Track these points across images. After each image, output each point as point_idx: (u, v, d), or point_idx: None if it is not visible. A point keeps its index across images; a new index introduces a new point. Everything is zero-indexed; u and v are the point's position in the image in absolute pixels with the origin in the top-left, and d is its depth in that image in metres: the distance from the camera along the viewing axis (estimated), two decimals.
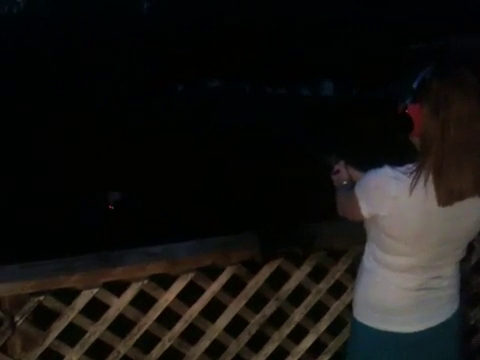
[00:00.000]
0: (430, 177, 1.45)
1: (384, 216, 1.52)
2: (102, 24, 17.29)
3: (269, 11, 18.09)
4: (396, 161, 1.54)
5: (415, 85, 1.50)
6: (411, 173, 1.47)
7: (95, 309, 1.82)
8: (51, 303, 1.73)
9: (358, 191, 1.58)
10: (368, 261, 1.68)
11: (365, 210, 1.56)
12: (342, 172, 1.88)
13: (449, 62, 1.51)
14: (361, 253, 1.77)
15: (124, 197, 6.62)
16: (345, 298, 2.15)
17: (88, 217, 5.87)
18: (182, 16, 18.19)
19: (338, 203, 1.78)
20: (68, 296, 1.80)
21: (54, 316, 1.76)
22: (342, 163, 1.91)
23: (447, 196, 1.46)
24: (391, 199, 1.48)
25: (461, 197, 1.47)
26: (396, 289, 1.63)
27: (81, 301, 1.76)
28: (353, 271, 2.05)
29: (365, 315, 1.69)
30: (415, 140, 1.53)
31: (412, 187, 1.46)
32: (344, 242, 2.12)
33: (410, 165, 1.50)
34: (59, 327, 1.76)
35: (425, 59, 1.57)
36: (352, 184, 1.79)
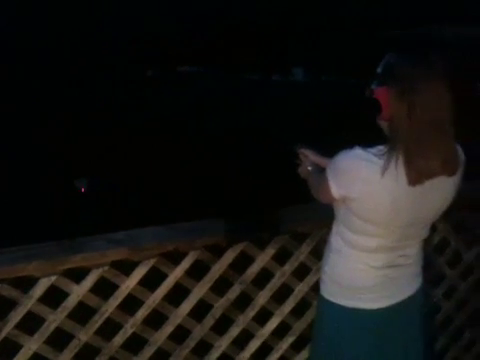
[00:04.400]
0: (400, 159, 1.46)
1: (354, 198, 1.52)
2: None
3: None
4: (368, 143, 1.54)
5: (380, 69, 1.51)
6: (382, 155, 1.48)
7: (55, 297, 1.79)
8: (8, 292, 1.69)
9: (329, 173, 1.58)
10: (336, 241, 1.69)
11: (336, 192, 1.56)
12: (304, 162, 1.87)
13: (414, 46, 1.53)
14: (325, 236, 1.78)
15: (95, 183, 6.51)
16: (309, 280, 2.16)
17: (54, 202, 5.77)
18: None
19: (311, 186, 1.78)
20: (26, 284, 1.76)
21: (11, 305, 1.72)
22: (305, 151, 1.89)
23: (417, 175, 1.47)
24: (361, 181, 1.49)
25: (430, 176, 1.49)
26: (363, 268, 1.65)
27: (39, 289, 1.73)
28: (317, 253, 2.06)
29: (332, 293, 1.71)
30: (383, 124, 1.53)
31: (383, 170, 1.47)
32: (309, 226, 2.12)
33: (381, 147, 1.50)
34: (17, 316, 1.71)
35: (404, 46, 1.57)
36: (320, 168, 1.80)
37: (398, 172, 1.47)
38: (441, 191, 1.56)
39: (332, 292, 1.71)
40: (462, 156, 1.59)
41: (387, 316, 1.69)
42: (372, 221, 1.55)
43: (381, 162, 1.47)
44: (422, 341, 1.83)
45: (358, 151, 1.51)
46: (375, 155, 1.48)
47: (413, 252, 1.70)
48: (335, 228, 1.70)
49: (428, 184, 1.50)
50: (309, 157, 1.87)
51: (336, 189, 1.55)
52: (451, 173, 1.53)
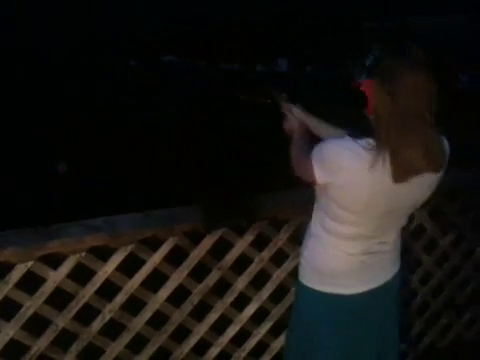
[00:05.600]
0: (387, 155, 1.47)
1: (337, 186, 1.53)
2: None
3: None
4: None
5: (368, 62, 1.53)
6: (370, 149, 1.49)
7: (33, 283, 1.79)
8: None
9: (314, 158, 1.56)
10: (315, 227, 1.70)
11: (320, 178, 1.56)
12: (291, 120, 1.86)
13: (399, 39, 1.54)
14: (304, 222, 1.79)
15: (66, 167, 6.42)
16: (287, 265, 2.18)
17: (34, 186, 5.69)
18: None
19: (293, 155, 1.75)
20: (3, 270, 1.75)
21: None
22: (290, 107, 1.87)
23: (402, 173, 1.48)
24: (346, 171, 1.49)
25: (416, 172, 1.50)
26: (341, 255, 1.66)
27: (16, 275, 1.72)
28: (295, 240, 2.08)
29: (311, 279, 1.72)
30: (371, 117, 1.54)
31: (371, 164, 1.47)
32: (288, 212, 2.14)
33: (370, 140, 1.50)
34: None
35: (380, 37, 1.59)
36: (306, 134, 1.79)
37: (383, 165, 1.48)
38: (424, 185, 1.58)
39: (310, 278, 1.73)
40: (447, 149, 1.60)
41: (364, 301, 1.71)
42: (351, 210, 1.57)
43: (368, 156, 1.48)
44: (397, 326, 1.86)
45: (347, 142, 1.51)
46: (364, 148, 1.49)
47: (391, 240, 1.72)
48: (315, 214, 1.71)
49: (414, 180, 1.51)
50: (295, 115, 1.85)
51: (321, 175, 1.55)
52: (436, 169, 1.55)
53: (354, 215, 1.58)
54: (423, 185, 1.57)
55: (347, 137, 1.52)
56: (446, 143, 1.59)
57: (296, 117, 1.87)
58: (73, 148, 6.83)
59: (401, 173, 1.48)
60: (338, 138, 1.54)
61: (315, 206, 1.72)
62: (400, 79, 1.45)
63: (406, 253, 2.38)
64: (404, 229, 2.38)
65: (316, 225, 1.70)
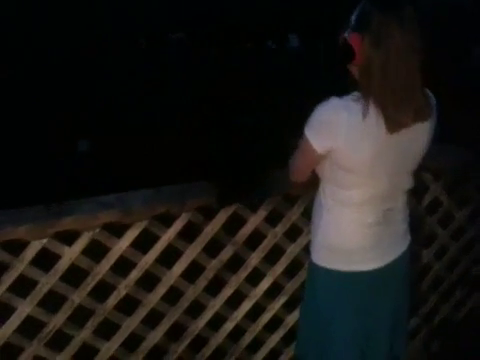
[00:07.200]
0: (377, 107, 1.47)
1: (338, 147, 1.51)
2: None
3: None
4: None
5: (354, 17, 1.50)
6: (358, 100, 1.48)
7: (47, 260, 1.79)
8: None
9: (309, 132, 1.55)
10: (326, 203, 1.68)
11: (319, 147, 1.54)
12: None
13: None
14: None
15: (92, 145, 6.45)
16: (301, 241, 2.17)
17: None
18: None
19: (291, 168, 1.74)
20: (18, 248, 1.76)
21: (3, 268, 1.71)
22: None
23: (392, 125, 1.49)
24: (345, 128, 1.48)
25: (405, 125, 1.51)
26: (356, 226, 1.65)
27: (30, 252, 1.72)
28: (308, 214, 2.07)
29: (325, 258, 1.71)
30: (354, 70, 1.53)
31: (363, 115, 1.47)
32: (299, 189, 2.11)
33: (356, 93, 1.50)
34: (9, 279, 1.71)
35: None
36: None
37: (377, 117, 1.48)
38: (417, 136, 1.59)
39: (324, 257, 1.71)
40: (433, 100, 1.61)
41: (380, 276, 1.71)
42: (358, 170, 1.55)
43: (359, 106, 1.47)
44: (409, 302, 1.86)
45: (335, 100, 1.50)
46: (353, 100, 1.49)
47: (400, 207, 1.71)
48: (323, 191, 1.69)
49: (404, 131, 1.52)
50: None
51: (320, 143, 1.53)
52: (424, 119, 1.56)
53: (361, 176, 1.56)
54: (417, 136, 1.58)
55: (332, 97, 1.51)
56: (431, 96, 1.60)
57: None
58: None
59: (391, 125, 1.48)
60: (326, 102, 1.51)
61: (321, 185, 1.70)
62: (394, 38, 1.42)
63: (419, 228, 2.37)
64: (418, 204, 2.38)
65: (327, 200, 1.68)
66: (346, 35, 1.49)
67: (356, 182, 1.58)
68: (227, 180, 2.10)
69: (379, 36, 1.43)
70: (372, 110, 1.47)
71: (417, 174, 1.73)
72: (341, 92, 1.53)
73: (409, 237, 1.80)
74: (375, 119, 1.48)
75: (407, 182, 1.69)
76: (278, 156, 1.88)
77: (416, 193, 2.30)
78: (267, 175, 2.10)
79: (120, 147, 6.19)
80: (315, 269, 1.75)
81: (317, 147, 1.54)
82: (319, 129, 1.53)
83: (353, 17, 1.50)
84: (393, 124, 1.49)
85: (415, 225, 1.91)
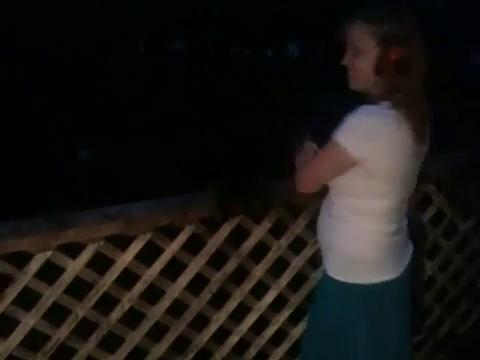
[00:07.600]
0: (404, 115, 1.50)
1: (376, 153, 1.49)
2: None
3: None
4: None
5: (383, 32, 1.50)
6: (391, 110, 1.50)
7: (51, 273, 1.78)
8: (3, 268, 1.68)
9: (343, 138, 1.49)
10: (340, 215, 1.65)
11: (358, 154, 1.49)
12: (306, 155, 1.75)
13: (401, 5, 1.52)
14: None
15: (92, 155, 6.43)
16: (305, 253, 2.16)
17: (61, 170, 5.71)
18: None
19: (306, 177, 1.68)
20: (22, 260, 1.75)
21: (7, 281, 1.71)
22: (311, 145, 1.77)
23: (420, 136, 1.54)
24: (384, 134, 1.48)
25: (425, 136, 1.58)
26: (377, 236, 1.63)
27: (34, 265, 1.71)
28: (313, 226, 2.05)
29: (342, 270, 1.67)
30: (377, 82, 1.53)
31: (400, 123, 1.50)
32: (303, 197, 2.10)
33: (385, 102, 1.51)
34: (13, 292, 1.70)
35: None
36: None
37: (407, 128, 1.51)
38: (422, 154, 1.63)
39: (340, 270, 1.67)
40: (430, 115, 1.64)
41: (394, 287, 1.69)
42: (387, 178, 1.55)
43: (394, 115, 1.49)
44: (409, 312, 1.83)
45: (370, 108, 1.51)
46: (386, 109, 1.50)
47: (404, 215, 1.72)
48: (336, 202, 1.66)
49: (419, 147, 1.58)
50: (310, 154, 1.74)
51: (359, 150, 1.48)
52: (427, 126, 1.61)
53: (388, 184, 1.56)
54: (421, 154, 1.62)
55: (364, 106, 1.50)
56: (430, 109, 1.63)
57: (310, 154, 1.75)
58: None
59: (418, 135, 1.53)
60: (359, 110, 1.50)
61: (333, 197, 1.67)
62: (414, 46, 1.48)
63: (423, 240, 2.36)
64: (422, 215, 2.37)
65: (342, 212, 1.64)
66: (379, 49, 1.50)
67: (379, 191, 1.57)
68: (227, 181, 2.09)
69: (417, 48, 1.49)
70: (403, 119, 1.50)
71: (419, 185, 1.74)
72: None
73: (411, 250, 1.79)
74: (406, 129, 1.51)
75: (412, 190, 1.71)
76: (276, 158, 1.87)
77: (420, 205, 2.30)
78: (267, 176, 2.09)
79: (120, 147, 6.20)
80: (329, 283, 1.71)
81: (355, 154, 1.49)
82: (357, 135, 1.49)
83: (380, 32, 1.49)
84: (419, 134, 1.53)
85: (419, 237, 1.91)
